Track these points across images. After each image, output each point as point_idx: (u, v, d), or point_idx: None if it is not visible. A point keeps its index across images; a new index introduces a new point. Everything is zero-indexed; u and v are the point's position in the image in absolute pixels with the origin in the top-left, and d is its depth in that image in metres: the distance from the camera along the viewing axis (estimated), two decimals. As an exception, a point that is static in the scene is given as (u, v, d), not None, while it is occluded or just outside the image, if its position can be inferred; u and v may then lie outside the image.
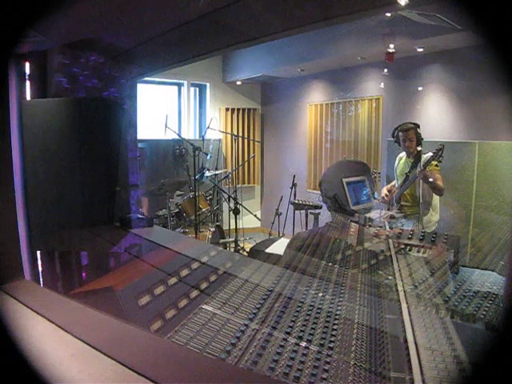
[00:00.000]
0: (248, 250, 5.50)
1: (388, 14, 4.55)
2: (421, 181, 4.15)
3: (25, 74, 2.67)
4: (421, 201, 4.22)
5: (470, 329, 1.61)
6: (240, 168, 8.44)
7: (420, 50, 5.44)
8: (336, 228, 2.57)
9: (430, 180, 4.03)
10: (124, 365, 0.97)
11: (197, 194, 5.72)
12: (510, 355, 0.68)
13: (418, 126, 4.31)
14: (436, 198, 4.28)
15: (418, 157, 4.26)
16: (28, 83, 2.71)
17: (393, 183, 4.66)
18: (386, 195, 4.47)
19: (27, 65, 2.69)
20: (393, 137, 4.45)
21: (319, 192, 2.70)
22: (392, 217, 4.11)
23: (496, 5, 0.67)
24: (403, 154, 4.50)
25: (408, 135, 4.27)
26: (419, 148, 4.30)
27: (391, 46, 5.27)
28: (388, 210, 4.36)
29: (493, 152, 4.73)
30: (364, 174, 2.58)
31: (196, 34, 2.37)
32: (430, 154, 4.16)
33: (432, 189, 4.14)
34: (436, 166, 4.10)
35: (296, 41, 6.11)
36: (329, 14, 1.80)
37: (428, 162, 4.01)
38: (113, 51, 2.89)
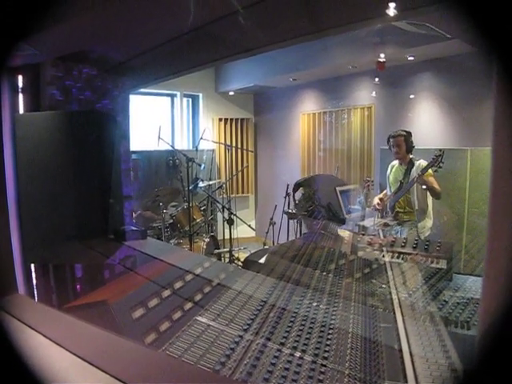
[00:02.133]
0: (242, 259, 5.49)
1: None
2: (415, 187, 4.17)
3: (18, 87, 2.68)
4: (416, 207, 4.24)
5: (464, 336, 1.61)
6: (234, 178, 8.43)
7: (411, 58, 5.48)
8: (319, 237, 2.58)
9: (427, 185, 4.05)
10: (118, 379, 0.97)
11: (191, 204, 5.70)
12: (501, 361, 0.68)
13: (410, 134, 4.35)
14: (429, 204, 4.30)
15: (410, 164, 4.29)
16: (21, 96, 2.70)
17: (385, 192, 4.68)
18: (378, 203, 4.48)
19: (20, 78, 2.69)
20: (387, 143, 4.49)
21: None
22: (386, 224, 4.12)
23: (486, 13, 0.69)
24: (395, 162, 4.52)
25: (396, 141, 4.32)
26: (411, 155, 4.34)
27: (382, 54, 5.31)
28: (381, 218, 4.37)
29: (485, 158, 4.75)
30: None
31: (188, 46, 2.38)
32: (422, 161, 4.19)
33: (431, 193, 4.16)
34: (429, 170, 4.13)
35: (288, 50, 6.11)
36: (319, 26, 1.81)
37: (426, 169, 4.02)
38: (105, 64, 2.90)
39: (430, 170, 4.09)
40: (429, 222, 4.31)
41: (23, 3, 1.36)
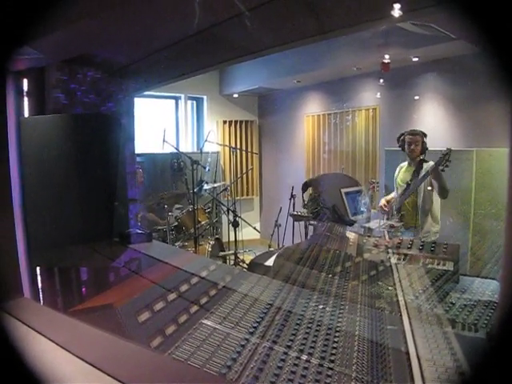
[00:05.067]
0: (248, 262, 5.48)
1: (383, 25, 4.58)
2: (422, 190, 4.12)
3: (23, 90, 2.68)
4: (421, 211, 4.18)
5: (472, 339, 1.60)
6: (238, 180, 8.43)
7: (415, 59, 5.46)
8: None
9: (438, 181, 4.02)
10: (124, 382, 0.97)
11: (196, 207, 5.71)
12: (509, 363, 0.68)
13: (425, 135, 4.30)
14: (437, 208, 4.25)
15: (419, 165, 4.22)
16: (26, 100, 2.71)
17: (392, 194, 4.62)
18: (385, 205, 4.43)
19: (25, 81, 2.70)
20: (398, 141, 4.42)
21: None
22: (392, 226, 4.09)
23: (491, 13, 0.68)
24: (404, 164, 4.46)
25: (415, 139, 4.25)
26: (421, 157, 4.27)
27: (386, 56, 5.30)
28: (387, 219, 4.32)
29: (490, 159, 4.73)
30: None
31: (193, 49, 2.39)
32: (432, 162, 4.13)
33: (439, 190, 4.11)
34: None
35: (292, 52, 6.10)
36: (324, 28, 1.81)
37: (434, 168, 3.97)
38: (110, 67, 2.90)
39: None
40: (435, 227, 4.26)
41: (28, 6, 1.37)
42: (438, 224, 4.29)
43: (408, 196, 4.23)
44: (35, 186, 2.51)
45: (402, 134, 4.38)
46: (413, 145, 4.26)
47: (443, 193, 4.13)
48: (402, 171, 4.46)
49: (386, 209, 4.39)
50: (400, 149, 4.44)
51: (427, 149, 4.32)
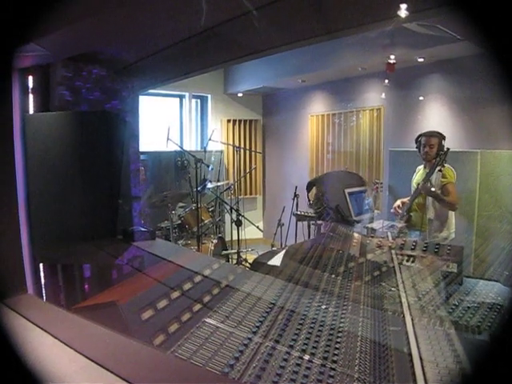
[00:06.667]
0: (250, 261, 5.48)
1: (388, 25, 4.56)
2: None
3: (28, 87, 2.69)
4: (430, 216, 4.12)
5: (475, 341, 1.60)
6: (242, 179, 8.43)
7: (421, 59, 5.45)
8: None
9: (432, 196, 3.97)
10: (126, 380, 0.97)
11: (199, 205, 5.71)
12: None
13: (444, 138, 4.17)
14: (447, 213, 4.15)
15: (433, 168, 4.12)
16: (31, 97, 2.72)
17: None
18: (399, 206, 4.33)
19: (30, 78, 2.70)
20: (416, 142, 4.28)
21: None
22: (393, 226, 4.06)
23: (496, 16, 0.68)
24: (421, 166, 4.36)
25: (430, 141, 4.12)
26: (437, 159, 4.16)
27: (392, 56, 5.28)
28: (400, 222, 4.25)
29: (495, 161, 4.72)
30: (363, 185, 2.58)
31: (198, 48, 2.39)
32: (447, 166, 4.02)
33: (441, 204, 4.04)
34: (449, 177, 4.01)
35: (297, 52, 6.07)
36: (330, 28, 1.81)
37: (431, 173, 3.91)
38: (115, 65, 2.91)
39: (450, 177, 4.00)
40: (445, 232, 4.15)
41: (33, 3, 1.37)
42: (449, 229, 4.19)
43: (414, 198, 4.16)
44: (39, 183, 2.52)
45: (420, 135, 4.26)
46: (427, 147, 4.13)
47: (446, 207, 4.07)
48: (418, 174, 4.36)
49: (400, 210, 4.31)
50: (416, 150, 4.30)
51: (443, 152, 4.11)
